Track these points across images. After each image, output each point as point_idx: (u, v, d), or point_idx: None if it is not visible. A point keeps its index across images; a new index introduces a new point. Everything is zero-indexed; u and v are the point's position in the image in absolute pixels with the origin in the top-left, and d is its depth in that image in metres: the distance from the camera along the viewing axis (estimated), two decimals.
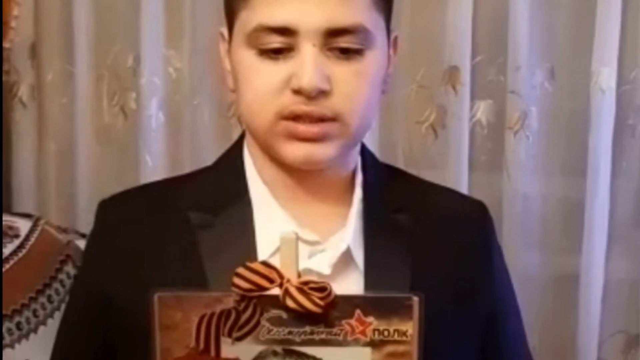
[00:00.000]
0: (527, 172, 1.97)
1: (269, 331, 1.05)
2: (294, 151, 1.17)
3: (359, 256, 1.22)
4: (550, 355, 2.00)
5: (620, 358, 1.99)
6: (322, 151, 1.18)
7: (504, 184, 1.97)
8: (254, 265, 1.05)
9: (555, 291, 2.01)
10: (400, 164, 2.01)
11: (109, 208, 1.30)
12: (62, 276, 1.63)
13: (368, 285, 1.20)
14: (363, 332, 1.06)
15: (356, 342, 1.06)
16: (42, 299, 1.58)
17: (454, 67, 1.97)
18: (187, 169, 1.37)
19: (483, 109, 2.01)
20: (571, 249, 1.97)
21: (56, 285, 1.62)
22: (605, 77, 1.89)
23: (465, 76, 1.96)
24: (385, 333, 1.06)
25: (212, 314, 1.05)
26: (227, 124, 2.03)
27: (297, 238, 1.07)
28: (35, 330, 1.55)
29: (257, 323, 1.05)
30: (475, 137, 2.02)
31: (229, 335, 1.05)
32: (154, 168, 2.07)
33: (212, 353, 1.05)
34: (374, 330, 1.06)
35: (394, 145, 2.04)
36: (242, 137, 1.30)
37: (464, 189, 1.96)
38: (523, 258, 1.98)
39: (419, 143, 2.03)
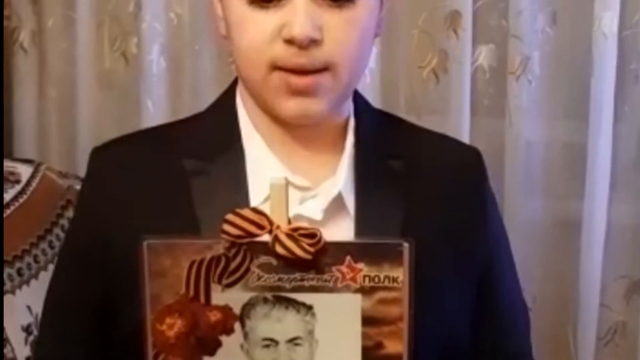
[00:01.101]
0: (529, 117, 1.96)
1: (259, 278, 1.05)
2: (288, 106, 1.17)
3: (350, 202, 1.22)
4: (553, 301, 2.01)
5: (623, 303, 1.99)
6: (316, 106, 1.17)
7: (506, 129, 1.97)
8: (243, 212, 1.05)
9: (558, 236, 2.01)
10: (402, 109, 2.01)
11: (101, 155, 1.30)
12: (63, 221, 1.64)
13: (359, 231, 1.20)
14: (353, 279, 1.06)
15: (346, 288, 1.06)
16: (43, 245, 1.60)
17: (455, 12, 1.95)
18: (187, 114, 1.37)
19: (485, 54, 2.00)
20: (573, 194, 1.97)
21: (57, 230, 1.63)
22: (608, 21, 1.88)
23: (467, 21, 1.95)
24: (376, 279, 1.06)
25: (202, 261, 1.05)
26: (228, 69, 2.02)
27: (287, 184, 1.07)
28: (36, 276, 1.56)
29: (247, 270, 1.05)
30: (477, 82, 2.01)
31: (219, 282, 1.05)
32: (155, 113, 2.07)
33: (202, 300, 1.06)
34: (365, 276, 1.06)
35: (396, 90, 2.03)
36: (234, 83, 1.30)
37: (465, 134, 1.96)
38: (525, 203, 1.98)
39: (421, 88, 2.02)
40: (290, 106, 1.17)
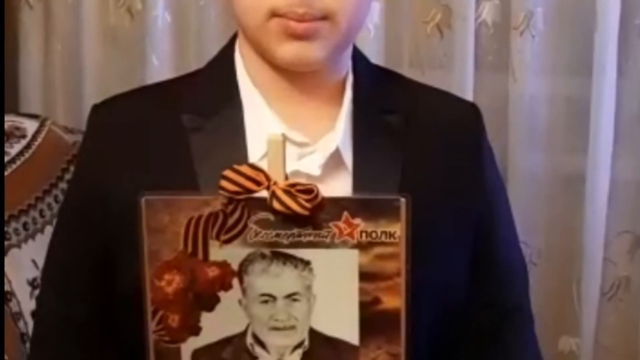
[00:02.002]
0: (533, 72, 1.96)
1: (257, 234, 1.06)
2: (285, 50, 1.17)
3: (348, 158, 1.22)
4: (557, 256, 2.01)
5: (627, 258, 2.00)
6: (313, 52, 1.18)
7: (510, 84, 1.96)
8: (240, 168, 1.05)
9: (562, 192, 2.01)
10: (405, 64, 2.01)
11: (101, 111, 1.30)
12: (68, 176, 1.65)
13: (357, 186, 1.20)
14: (351, 234, 1.06)
15: (344, 244, 1.06)
16: (49, 199, 1.61)
17: None
18: (192, 69, 1.38)
19: (488, 9, 1.99)
20: (577, 150, 1.96)
21: (62, 185, 1.64)
22: None
23: None
24: (373, 235, 1.06)
25: (200, 217, 1.06)
26: (233, 24, 2.01)
27: (285, 140, 1.07)
28: (41, 230, 1.57)
29: (245, 226, 1.06)
30: (481, 38, 2.00)
31: (217, 238, 1.06)
32: (160, 68, 2.07)
33: (200, 256, 1.07)
34: (362, 232, 1.06)
35: (400, 45, 2.02)
36: (234, 38, 1.30)
37: (469, 89, 1.95)
38: (529, 159, 1.98)
39: (425, 43, 2.01)
40: (288, 50, 1.17)
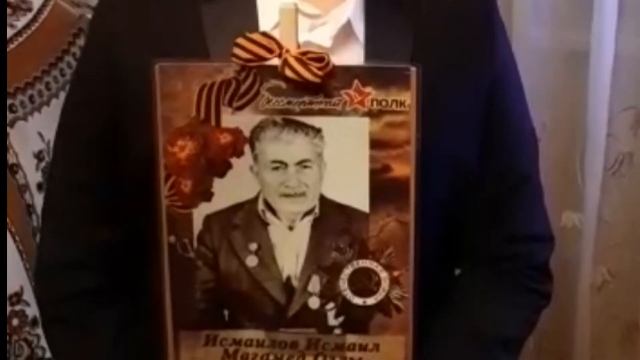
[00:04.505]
0: None
1: (269, 101, 1.07)
2: None
3: (359, 29, 1.21)
4: (560, 130, 2.01)
5: (630, 133, 1.99)
6: None
7: None
8: (253, 36, 1.06)
9: (566, 67, 2.00)
10: None
11: None
12: (74, 49, 1.64)
13: (368, 58, 1.20)
14: (361, 102, 1.07)
15: (354, 112, 1.07)
16: (55, 72, 1.60)
17: None
18: None
19: None
20: (581, 24, 1.95)
21: (68, 58, 1.63)
22: None
23: None
24: (384, 103, 1.07)
25: (213, 84, 1.07)
26: None
27: (297, 9, 1.07)
28: (47, 103, 1.57)
29: (257, 93, 1.07)
30: None
31: (229, 104, 1.07)
32: None
33: (213, 122, 1.07)
34: (372, 100, 1.07)
35: None
36: None
37: None
38: (533, 34, 1.96)
39: None
40: None
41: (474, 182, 1.29)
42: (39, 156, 1.53)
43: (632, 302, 1.97)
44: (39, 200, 1.51)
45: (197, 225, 1.11)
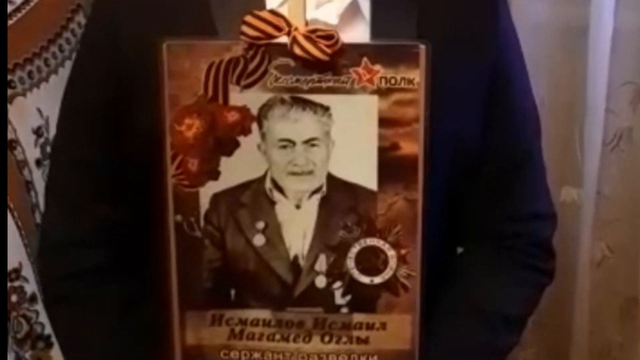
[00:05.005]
0: None
1: (277, 79, 1.06)
2: None
3: (365, 7, 1.20)
4: (559, 106, 2.01)
5: (629, 109, 1.99)
6: None
7: None
8: (262, 14, 1.05)
9: (565, 42, 2.00)
10: None
11: None
12: (73, 25, 1.63)
13: (375, 35, 1.19)
14: (370, 80, 1.07)
15: (363, 90, 1.07)
16: (54, 48, 1.59)
17: None
18: None
19: None
20: None
21: (67, 34, 1.63)
22: None
23: None
24: (392, 81, 1.07)
25: (221, 62, 1.06)
26: None
27: None
28: (46, 79, 1.56)
29: (265, 71, 1.06)
30: None
31: (237, 83, 1.06)
32: None
33: (220, 101, 1.07)
34: (381, 78, 1.07)
35: None
36: None
37: None
38: (532, 8, 1.96)
39: None
40: None
41: (476, 160, 1.29)
42: (37, 132, 1.52)
43: (631, 277, 1.98)
44: (37, 176, 1.51)
45: (204, 204, 1.11)
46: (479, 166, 1.30)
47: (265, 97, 1.07)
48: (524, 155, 1.33)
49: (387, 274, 1.12)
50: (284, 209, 1.11)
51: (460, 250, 1.39)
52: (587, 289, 1.99)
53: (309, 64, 1.05)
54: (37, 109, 1.53)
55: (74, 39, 1.63)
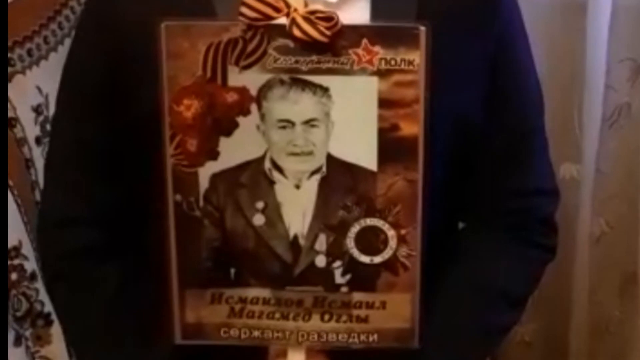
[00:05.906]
0: None
1: (276, 60, 1.06)
2: None
3: None
4: (559, 81, 2.00)
5: (627, 85, 1.99)
6: None
7: None
8: None
9: (563, 18, 1.99)
10: None
11: None
12: (72, 3, 1.63)
13: (375, 16, 1.18)
14: (370, 62, 1.06)
15: (363, 71, 1.07)
16: (53, 26, 1.59)
17: None
18: None
19: None
20: None
21: (66, 12, 1.62)
22: None
23: None
24: (392, 62, 1.07)
25: (219, 43, 1.06)
26: None
27: None
28: (46, 57, 1.56)
29: (264, 52, 1.06)
30: None
31: (236, 63, 1.06)
32: None
33: (219, 81, 1.07)
34: (381, 59, 1.06)
35: None
36: None
37: None
38: None
39: None
40: None
41: (478, 138, 1.29)
42: (37, 110, 1.53)
43: (630, 253, 1.98)
44: (37, 153, 1.51)
45: (203, 184, 1.11)
46: (484, 143, 1.29)
47: (265, 77, 1.07)
48: (528, 131, 1.33)
49: (387, 254, 1.13)
50: (283, 189, 1.11)
51: (461, 225, 1.39)
52: (586, 264, 2.00)
53: (308, 45, 1.05)
54: (36, 87, 1.53)
55: (73, 16, 1.63)
